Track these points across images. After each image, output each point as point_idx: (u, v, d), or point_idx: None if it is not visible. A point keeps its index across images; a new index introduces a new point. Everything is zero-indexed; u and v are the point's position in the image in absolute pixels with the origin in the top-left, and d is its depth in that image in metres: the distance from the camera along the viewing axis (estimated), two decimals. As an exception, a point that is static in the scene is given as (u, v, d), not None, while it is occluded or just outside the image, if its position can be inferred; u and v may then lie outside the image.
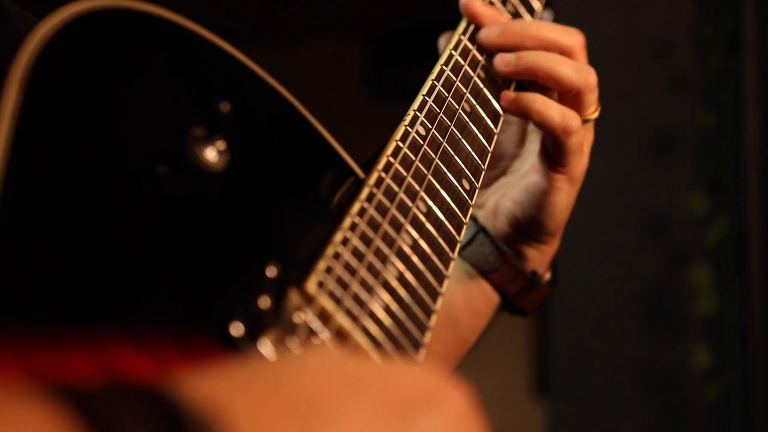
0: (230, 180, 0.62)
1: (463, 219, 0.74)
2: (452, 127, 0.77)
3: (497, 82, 0.84)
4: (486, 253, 0.90)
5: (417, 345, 0.63)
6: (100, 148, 0.57)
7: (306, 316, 0.59)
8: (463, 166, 0.76)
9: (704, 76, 2.28)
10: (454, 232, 0.72)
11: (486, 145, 0.80)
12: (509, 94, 0.84)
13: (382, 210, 0.67)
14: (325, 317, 0.59)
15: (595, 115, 0.87)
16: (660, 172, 2.32)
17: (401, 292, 0.64)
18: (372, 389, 0.45)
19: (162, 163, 0.59)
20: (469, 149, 0.77)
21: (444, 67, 0.79)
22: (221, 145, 0.62)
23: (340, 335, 0.59)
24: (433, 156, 0.74)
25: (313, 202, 0.68)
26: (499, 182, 0.91)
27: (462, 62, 0.81)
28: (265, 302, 0.58)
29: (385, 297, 0.63)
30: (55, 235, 0.53)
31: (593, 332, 2.32)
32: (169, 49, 0.64)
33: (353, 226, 0.64)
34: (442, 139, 0.75)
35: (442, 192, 0.73)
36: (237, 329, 0.56)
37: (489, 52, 0.85)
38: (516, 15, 0.89)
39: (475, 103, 0.81)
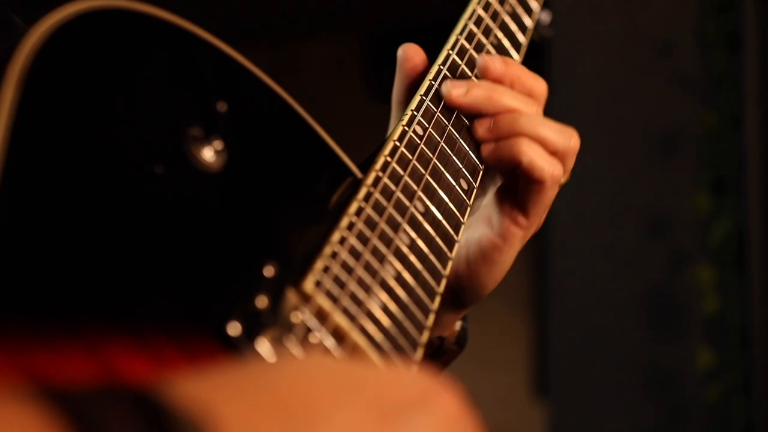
0: (227, 180, 0.62)
1: (461, 219, 0.73)
2: (450, 127, 0.77)
3: None
4: None
5: (414, 344, 0.63)
6: (98, 149, 0.57)
7: (303, 316, 0.59)
8: (461, 166, 0.76)
9: (706, 76, 2.28)
10: (452, 232, 0.72)
11: (484, 144, 0.80)
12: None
13: (379, 210, 0.67)
14: (322, 316, 0.59)
15: (564, 180, 0.80)
16: (662, 172, 2.31)
17: (399, 291, 0.64)
18: (364, 392, 0.45)
19: (159, 163, 0.59)
20: (467, 149, 0.77)
21: (441, 67, 0.79)
22: (218, 145, 0.62)
23: (338, 335, 0.59)
24: (431, 156, 0.74)
25: (311, 202, 0.68)
26: None
27: (459, 62, 0.81)
28: (262, 302, 0.58)
29: (383, 296, 0.62)
30: (52, 235, 0.53)
31: (594, 332, 2.32)
32: (166, 49, 0.64)
33: (351, 226, 0.64)
34: (439, 139, 0.75)
35: (440, 192, 0.73)
36: (234, 329, 0.56)
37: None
38: (514, 15, 0.88)
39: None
